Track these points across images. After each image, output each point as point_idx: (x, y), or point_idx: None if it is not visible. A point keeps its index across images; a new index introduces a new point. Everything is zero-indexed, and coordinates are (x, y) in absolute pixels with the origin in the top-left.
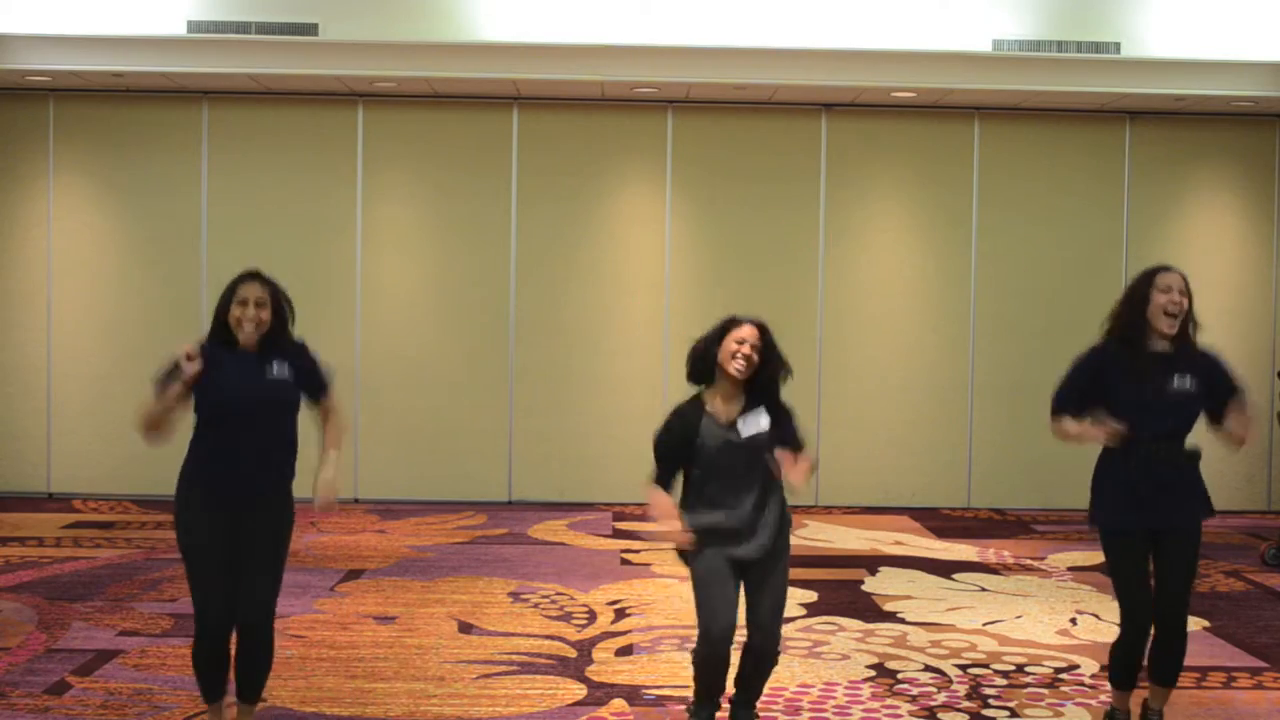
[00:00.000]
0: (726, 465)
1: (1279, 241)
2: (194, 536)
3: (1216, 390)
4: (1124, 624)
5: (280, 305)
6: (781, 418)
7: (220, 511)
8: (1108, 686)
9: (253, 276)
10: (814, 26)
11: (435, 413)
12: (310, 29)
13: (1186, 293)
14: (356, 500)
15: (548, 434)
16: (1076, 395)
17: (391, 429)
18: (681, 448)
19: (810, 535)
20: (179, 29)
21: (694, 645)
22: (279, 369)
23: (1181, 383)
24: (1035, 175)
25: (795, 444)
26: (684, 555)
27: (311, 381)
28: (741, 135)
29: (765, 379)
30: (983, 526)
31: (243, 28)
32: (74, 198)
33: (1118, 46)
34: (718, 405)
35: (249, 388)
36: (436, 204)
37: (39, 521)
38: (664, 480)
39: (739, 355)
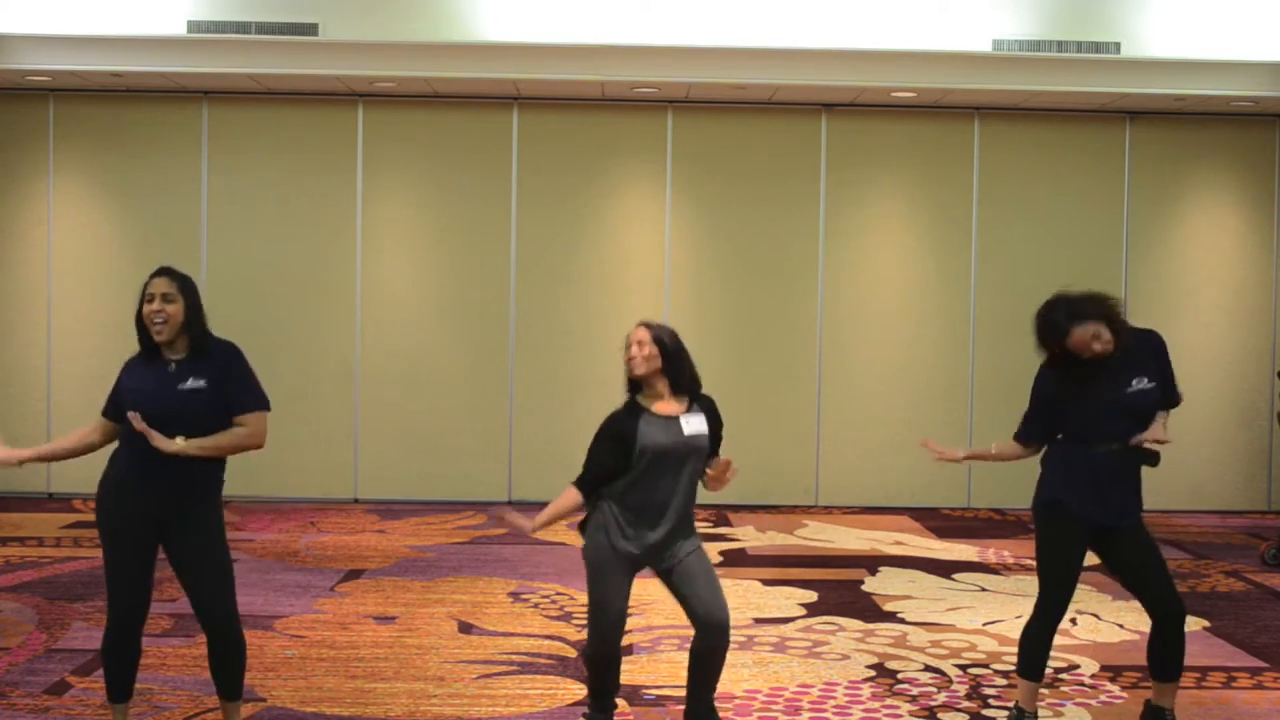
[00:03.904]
0: (669, 465)
1: (1279, 241)
2: (111, 524)
3: (1164, 382)
4: (1041, 605)
5: (193, 300)
6: (715, 425)
7: (142, 513)
8: (1108, 686)
9: (161, 272)
10: (814, 26)
11: (435, 413)
12: (310, 29)
13: (1103, 327)
14: (356, 500)
15: (548, 434)
16: (1039, 428)
17: (391, 429)
18: (617, 451)
19: (810, 535)
20: (179, 29)
21: (586, 642)
22: (194, 382)
23: (1139, 383)
24: (1035, 175)
25: (717, 445)
26: (584, 550)
27: (234, 394)
28: (741, 135)
29: (686, 380)
30: (983, 526)
31: (243, 28)
32: (74, 198)
33: (1118, 46)
34: (657, 406)
35: (161, 401)
36: (436, 204)
37: (39, 521)
38: (585, 487)
39: (629, 358)
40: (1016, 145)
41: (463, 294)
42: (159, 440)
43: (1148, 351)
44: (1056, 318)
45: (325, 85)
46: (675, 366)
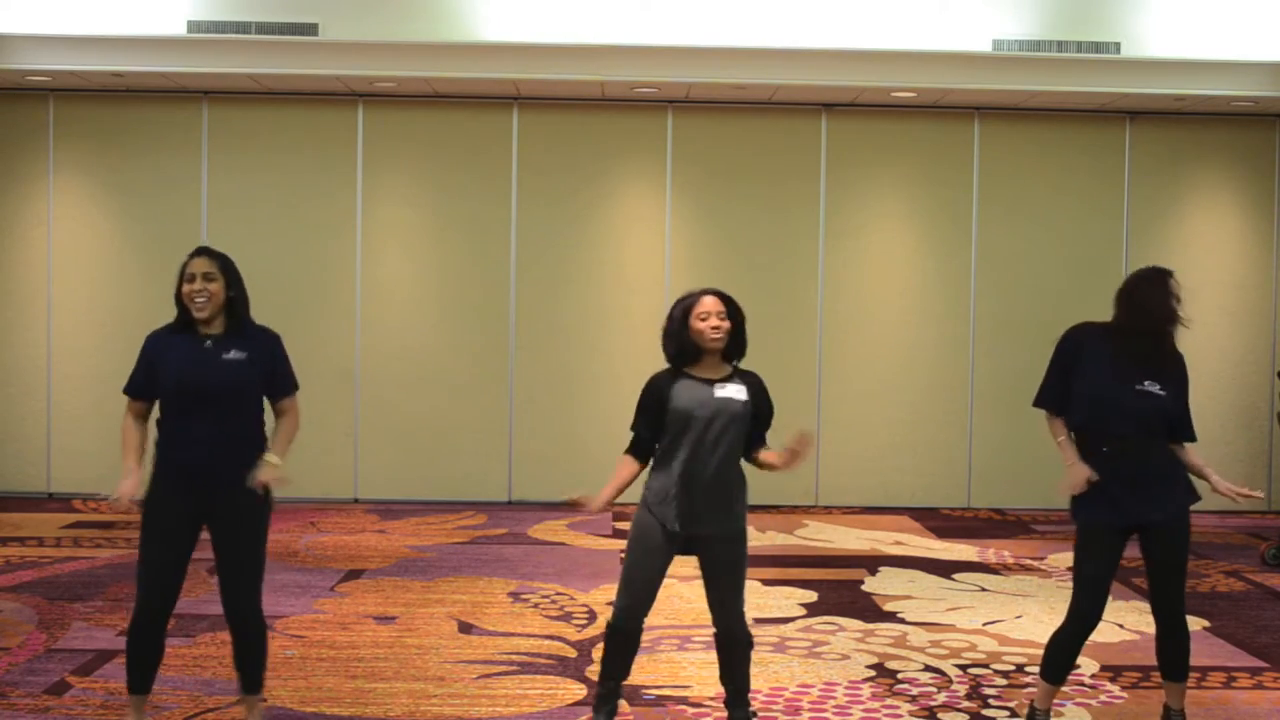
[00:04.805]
0: (697, 427)
1: (1279, 241)
2: (153, 516)
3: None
4: (1072, 613)
5: (234, 279)
6: (760, 399)
7: (184, 495)
8: (1108, 686)
9: (200, 251)
10: (814, 26)
11: (435, 413)
12: (310, 29)
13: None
14: (356, 500)
15: (548, 434)
16: (1062, 389)
17: (391, 429)
18: (654, 412)
19: (810, 535)
20: (179, 29)
21: (609, 619)
22: (235, 353)
23: (1150, 386)
24: (1035, 175)
25: (765, 421)
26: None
27: (273, 377)
28: (741, 135)
29: (738, 347)
30: (983, 526)
31: (243, 28)
32: (74, 198)
33: (1118, 46)
34: (697, 370)
35: (201, 371)
36: (436, 204)
37: (39, 521)
38: (636, 450)
39: (709, 327)
40: (1016, 145)
41: (463, 294)
42: (266, 475)
43: (1173, 367)
44: (1162, 270)
45: (325, 85)
46: (738, 337)
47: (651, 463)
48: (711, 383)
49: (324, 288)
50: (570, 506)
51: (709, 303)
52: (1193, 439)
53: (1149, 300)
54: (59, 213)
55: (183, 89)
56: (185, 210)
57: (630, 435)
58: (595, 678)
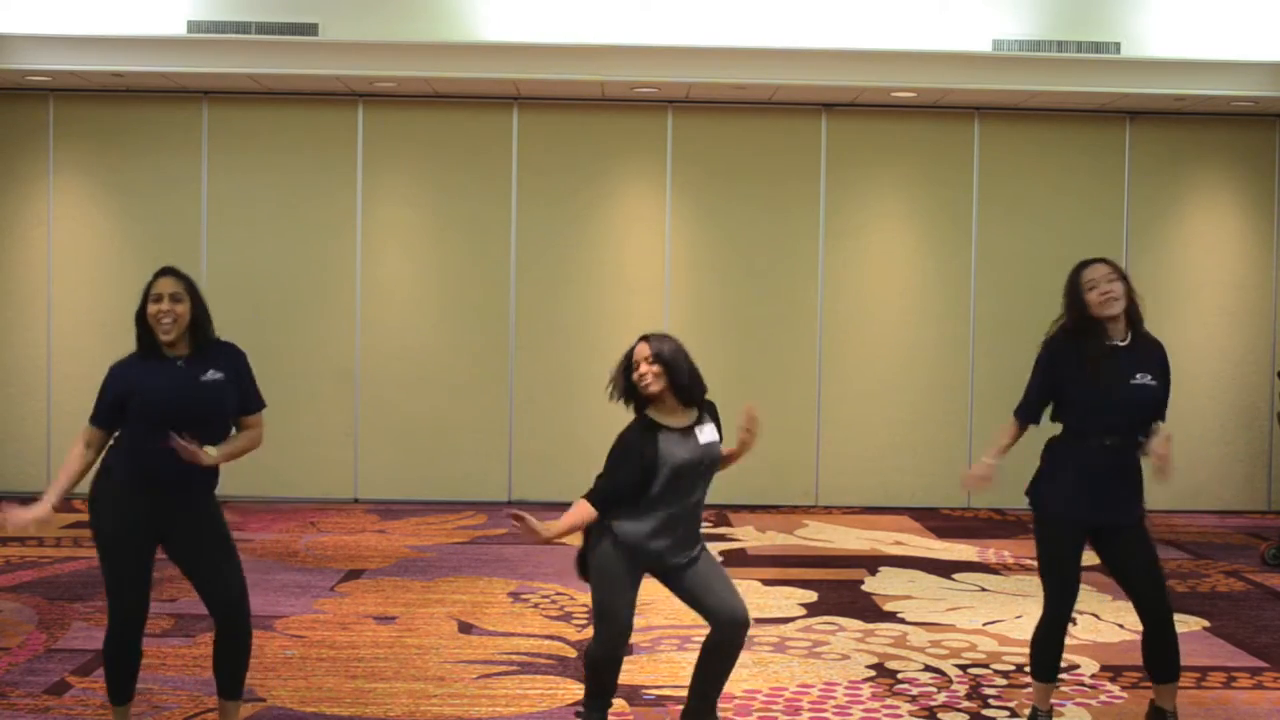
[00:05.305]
0: (686, 476)
1: (1279, 241)
2: (116, 526)
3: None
4: (1047, 608)
5: (198, 299)
6: (719, 430)
7: (149, 507)
8: (1108, 686)
9: (164, 272)
10: (814, 26)
11: (435, 413)
12: (310, 29)
13: (1118, 276)
14: (356, 500)
15: (548, 434)
16: (1039, 406)
17: (391, 429)
18: (639, 473)
19: (810, 535)
20: (179, 29)
21: (590, 645)
22: (213, 374)
23: (1143, 379)
24: (1035, 175)
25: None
26: (584, 553)
27: (246, 393)
28: (741, 135)
29: (690, 390)
30: (983, 526)
31: (243, 28)
32: (74, 198)
33: (1118, 46)
34: (670, 419)
35: (184, 395)
36: (436, 204)
37: (39, 521)
38: (600, 503)
39: (637, 375)
40: (1016, 145)
41: (463, 294)
42: (196, 455)
43: (1157, 355)
44: (1083, 262)
45: (325, 85)
46: (677, 379)
47: (621, 506)
48: (689, 430)
49: (324, 288)
50: (514, 520)
51: (636, 351)
52: (1163, 418)
53: (1070, 296)
54: (59, 213)
55: (183, 89)
56: (185, 210)
57: (597, 485)
58: None
